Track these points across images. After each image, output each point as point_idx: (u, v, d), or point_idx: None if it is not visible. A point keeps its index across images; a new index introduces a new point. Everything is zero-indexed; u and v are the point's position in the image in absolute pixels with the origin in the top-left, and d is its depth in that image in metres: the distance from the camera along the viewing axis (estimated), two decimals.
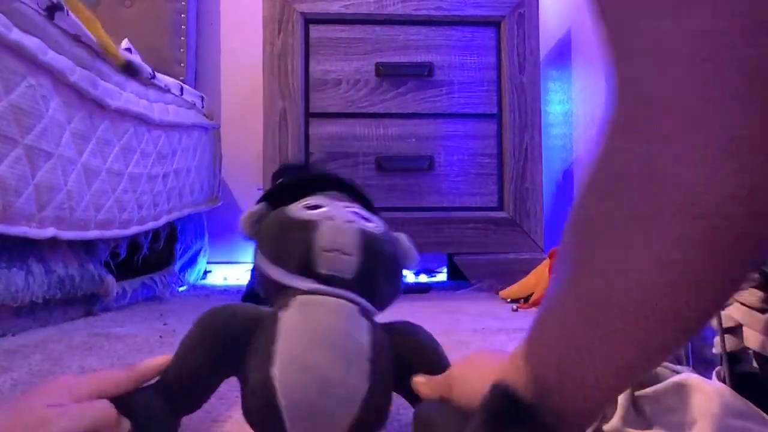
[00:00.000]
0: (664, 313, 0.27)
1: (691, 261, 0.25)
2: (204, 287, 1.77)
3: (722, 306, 0.45)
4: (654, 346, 0.29)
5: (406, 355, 0.47)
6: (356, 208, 0.50)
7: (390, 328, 0.48)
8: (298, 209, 0.48)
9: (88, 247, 1.17)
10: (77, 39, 1.04)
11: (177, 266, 1.64)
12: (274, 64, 1.60)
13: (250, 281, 1.49)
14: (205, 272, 1.94)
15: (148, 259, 1.44)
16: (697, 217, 0.24)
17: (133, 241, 1.35)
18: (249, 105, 1.98)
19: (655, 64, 0.24)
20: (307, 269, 0.45)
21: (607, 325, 0.28)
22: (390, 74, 1.61)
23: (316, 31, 1.63)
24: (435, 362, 0.47)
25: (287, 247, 0.46)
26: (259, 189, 1.70)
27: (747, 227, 0.24)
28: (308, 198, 0.50)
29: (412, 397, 0.47)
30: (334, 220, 0.46)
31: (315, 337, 0.42)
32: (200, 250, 1.85)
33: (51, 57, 0.95)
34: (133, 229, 1.28)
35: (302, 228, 0.46)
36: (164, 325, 1.08)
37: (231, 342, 0.44)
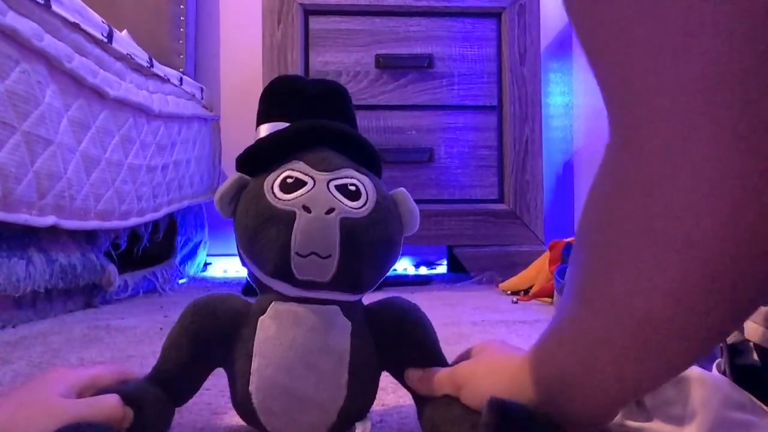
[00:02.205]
0: (669, 338, 0.26)
1: (691, 292, 0.25)
2: (204, 279, 1.77)
3: (728, 333, 0.44)
4: (663, 366, 0.29)
5: (392, 340, 0.46)
6: (344, 174, 0.43)
7: (375, 311, 0.46)
8: (275, 188, 0.42)
9: (89, 236, 1.17)
10: (77, 27, 1.03)
11: (177, 259, 1.64)
12: (274, 56, 1.59)
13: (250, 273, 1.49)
14: (205, 264, 1.94)
15: (148, 250, 1.45)
16: (694, 252, 0.24)
17: (134, 233, 1.35)
18: (248, 97, 1.97)
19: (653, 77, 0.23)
20: (282, 275, 0.41)
21: (616, 344, 0.28)
22: (390, 66, 1.61)
23: (315, 22, 1.62)
24: (423, 343, 0.46)
25: (261, 248, 0.42)
26: None
27: (748, 262, 0.23)
28: (289, 167, 0.43)
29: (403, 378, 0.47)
30: (312, 211, 0.40)
31: (290, 358, 0.41)
32: (200, 242, 1.85)
33: (47, 43, 0.94)
34: (133, 221, 1.28)
35: (276, 223, 0.41)
36: (165, 317, 1.08)
37: (214, 338, 0.44)
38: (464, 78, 1.63)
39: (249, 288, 1.44)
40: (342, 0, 1.60)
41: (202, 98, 1.74)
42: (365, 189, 0.43)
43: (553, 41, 2.00)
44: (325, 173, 0.43)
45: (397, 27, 1.62)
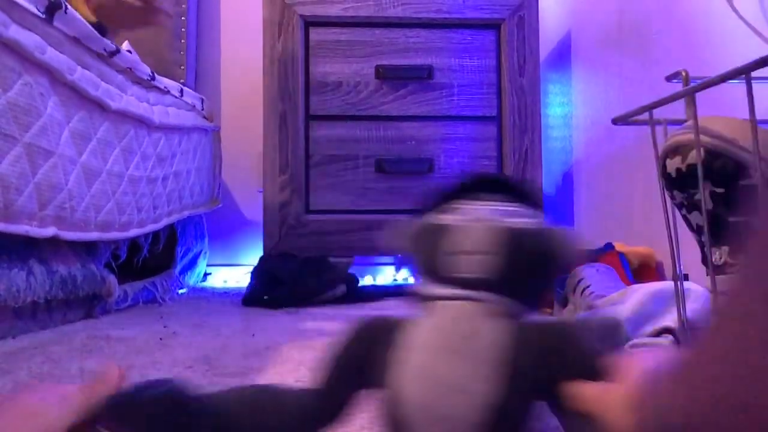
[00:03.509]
0: None
1: None
2: (204, 290, 1.77)
3: None
4: None
5: (554, 361, 0.41)
6: (506, 205, 0.45)
7: (542, 329, 0.43)
8: (435, 214, 0.45)
9: (89, 247, 1.17)
10: (78, 41, 1.04)
11: (177, 269, 1.64)
12: (274, 67, 1.60)
13: (250, 283, 1.49)
14: (205, 275, 1.94)
15: (148, 260, 1.45)
16: None
17: (134, 243, 1.35)
18: (249, 107, 1.99)
19: None
20: (436, 275, 0.42)
21: None
22: (390, 77, 1.61)
23: (316, 33, 1.63)
24: (587, 371, 0.40)
25: (418, 255, 0.44)
26: (259, 191, 1.71)
27: None
28: (453, 202, 0.46)
29: (559, 408, 0.41)
30: (467, 220, 0.42)
31: (434, 344, 0.41)
32: (200, 252, 1.85)
33: (49, 56, 0.95)
34: (133, 232, 1.28)
35: (432, 233, 0.43)
36: (164, 327, 1.08)
37: (365, 358, 0.43)
38: (464, 89, 1.64)
39: (250, 298, 1.45)
40: (342, 12, 1.61)
41: (202, 109, 1.75)
42: (529, 214, 0.44)
43: (552, 52, 2.01)
44: (487, 204, 0.45)
45: (397, 38, 1.63)
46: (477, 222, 0.42)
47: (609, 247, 1.19)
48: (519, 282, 0.42)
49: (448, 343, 0.40)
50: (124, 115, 1.21)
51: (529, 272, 0.42)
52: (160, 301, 1.45)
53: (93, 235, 1.11)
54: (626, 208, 1.41)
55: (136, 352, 0.86)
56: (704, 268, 0.61)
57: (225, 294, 1.66)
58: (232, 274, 1.96)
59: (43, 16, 0.93)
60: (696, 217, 0.61)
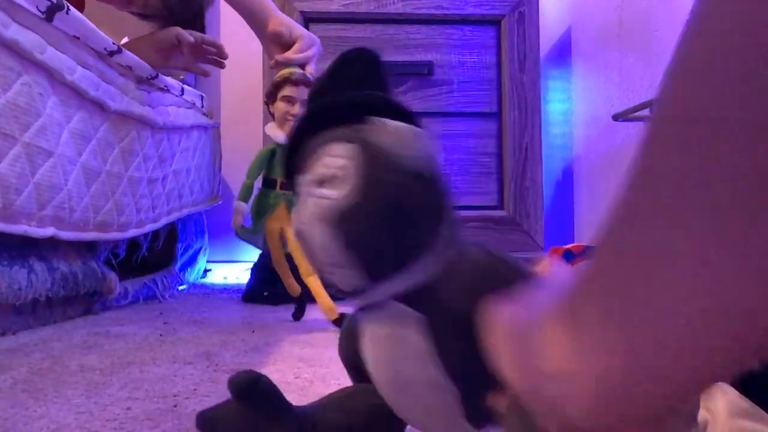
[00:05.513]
0: None
1: None
2: (204, 286, 1.77)
3: None
4: None
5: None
6: (323, 157, 0.37)
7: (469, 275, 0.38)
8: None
9: (89, 245, 1.17)
10: (78, 40, 1.04)
11: (177, 266, 1.64)
12: None
13: (250, 280, 1.49)
14: (205, 271, 1.94)
15: (148, 257, 1.45)
16: None
17: (133, 241, 1.35)
18: (249, 103, 1.98)
19: None
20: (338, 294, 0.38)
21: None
22: (390, 73, 1.61)
23: (315, 29, 1.63)
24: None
25: None
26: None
27: None
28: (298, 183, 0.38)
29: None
30: (300, 226, 0.36)
31: (387, 382, 0.39)
32: (200, 248, 1.85)
33: (48, 56, 0.94)
34: (131, 232, 1.28)
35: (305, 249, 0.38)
36: (164, 324, 1.08)
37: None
38: (464, 85, 1.63)
39: (250, 294, 1.45)
40: (342, 8, 1.61)
41: (202, 106, 1.75)
42: (346, 166, 0.36)
43: (553, 48, 2.00)
44: (307, 174, 0.37)
45: (397, 34, 1.63)
46: (306, 229, 0.35)
47: None
48: (378, 262, 0.35)
49: (394, 378, 0.38)
50: (125, 116, 1.21)
51: (385, 242, 0.35)
52: (160, 298, 1.45)
53: (91, 236, 1.11)
54: None
55: (136, 348, 0.86)
56: None
57: (225, 290, 1.66)
58: (232, 271, 1.96)
59: (43, 16, 0.93)
60: None
